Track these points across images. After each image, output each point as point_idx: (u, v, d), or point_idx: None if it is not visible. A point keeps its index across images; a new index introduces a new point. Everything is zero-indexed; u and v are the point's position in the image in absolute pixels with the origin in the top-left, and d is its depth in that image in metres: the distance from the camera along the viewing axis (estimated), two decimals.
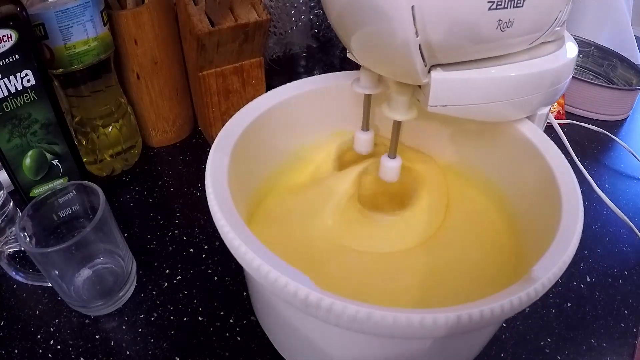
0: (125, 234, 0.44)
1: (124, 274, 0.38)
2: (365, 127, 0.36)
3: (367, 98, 0.35)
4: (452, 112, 0.28)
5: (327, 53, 0.59)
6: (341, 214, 0.34)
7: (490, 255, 0.32)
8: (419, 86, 0.29)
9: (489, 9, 0.24)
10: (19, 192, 0.42)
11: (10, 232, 0.40)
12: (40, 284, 0.38)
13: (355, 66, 0.33)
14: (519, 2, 0.24)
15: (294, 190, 0.37)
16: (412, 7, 0.23)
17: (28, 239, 0.34)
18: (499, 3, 0.24)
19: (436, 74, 0.27)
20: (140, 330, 0.36)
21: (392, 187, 0.35)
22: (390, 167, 0.33)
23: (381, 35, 0.25)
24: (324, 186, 0.36)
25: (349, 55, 0.31)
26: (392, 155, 0.33)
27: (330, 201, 0.34)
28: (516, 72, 0.28)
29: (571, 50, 0.31)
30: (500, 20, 0.25)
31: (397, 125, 0.32)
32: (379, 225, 0.34)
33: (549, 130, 0.37)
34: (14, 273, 0.36)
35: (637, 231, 0.45)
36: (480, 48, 0.26)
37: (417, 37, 0.24)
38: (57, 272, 0.34)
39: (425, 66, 0.26)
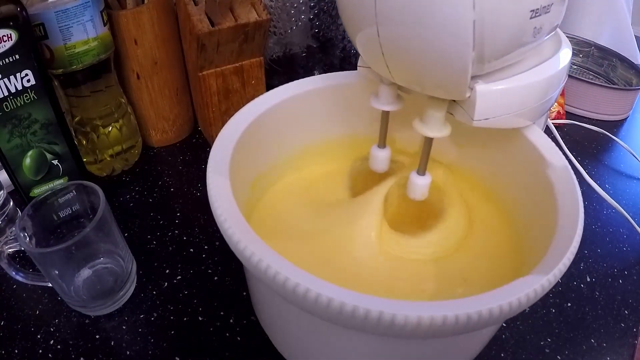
0: (125, 234, 0.44)
1: (124, 274, 0.38)
2: (382, 143, 0.35)
3: (385, 114, 0.34)
4: (492, 124, 0.27)
5: (327, 53, 0.59)
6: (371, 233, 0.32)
7: (488, 254, 0.33)
8: (453, 100, 0.28)
9: (530, 18, 0.24)
10: (19, 192, 0.42)
11: (11, 232, 0.40)
12: (40, 284, 0.38)
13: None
14: (548, 8, 0.24)
15: (309, 199, 0.36)
16: (474, 21, 0.22)
17: (28, 239, 0.34)
18: (537, 11, 0.24)
19: (480, 87, 0.26)
20: (140, 330, 0.36)
21: (419, 205, 0.34)
22: (420, 185, 0.32)
23: (437, 51, 0.24)
24: (353, 205, 0.34)
25: (366, 72, 0.30)
26: (422, 172, 0.32)
27: (360, 222, 0.32)
28: (544, 74, 0.28)
29: (566, 49, 0.31)
30: (535, 27, 0.24)
31: (429, 142, 0.31)
32: (404, 245, 0.33)
33: (546, 131, 0.37)
34: (14, 273, 0.36)
35: (638, 229, 0.45)
36: (516, 56, 0.26)
37: (473, 51, 0.23)
38: (57, 272, 0.34)
39: (470, 80, 0.25)
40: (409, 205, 0.35)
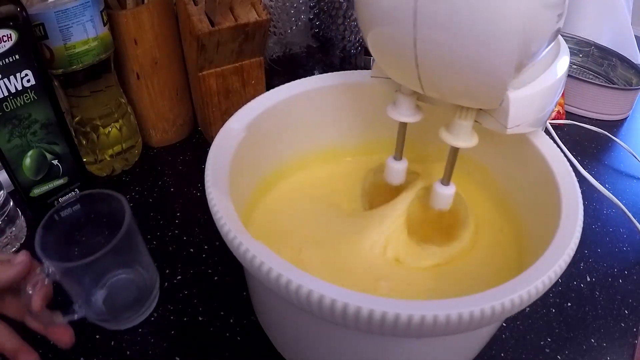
0: None
1: (147, 288, 0.36)
2: (399, 156, 0.34)
3: (403, 126, 0.32)
4: (520, 130, 0.27)
5: (327, 53, 0.59)
6: (392, 245, 0.32)
7: (490, 253, 0.33)
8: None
9: (557, 22, 0.23)
10: (19, 192, 0.42)
11: (11, 232, 0.40)
12: None
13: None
14: (564, 11, 0.24)
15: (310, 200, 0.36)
16: (522, 30, 0.22)
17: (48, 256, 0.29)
18: (561, 15, 0.23)
19: (513, 94, 0.25)
20: (140, 330, 0.36)
21: (441, 215, 0.33)
22: (445, 195, 0.31)
23: (484, 61, 0.23)
24: (373, 216, 0.33)
25: (381, 83, 0.29)
26: (446, 182, 0.31)
27: (382, 232, 0.32)
28: (559, 73, 0.28)
29: (564, 46, 0.31)
30: (559, 29, 0.24)
31: (455, 151, 0.30)
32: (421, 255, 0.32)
33: (545, 131, 0.37)
34: None
35: (639, 227, 0.45)
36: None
37: (516, 59, 0.23)
38: (81, 286, 0.32)
39: None
40: (427, 215, 0.34)
